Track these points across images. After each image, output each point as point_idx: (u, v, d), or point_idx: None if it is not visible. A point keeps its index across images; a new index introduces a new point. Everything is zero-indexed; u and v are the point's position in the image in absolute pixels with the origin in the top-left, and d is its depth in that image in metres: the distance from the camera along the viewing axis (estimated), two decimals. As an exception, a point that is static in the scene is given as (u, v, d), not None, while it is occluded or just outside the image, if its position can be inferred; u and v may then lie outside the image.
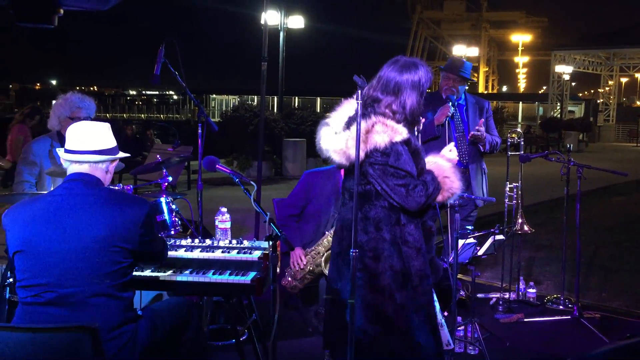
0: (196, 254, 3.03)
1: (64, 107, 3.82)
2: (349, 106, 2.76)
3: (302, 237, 4.12)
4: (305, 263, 3.99)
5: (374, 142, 2.58)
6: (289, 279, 4.07)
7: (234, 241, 3.18)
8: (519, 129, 4.99)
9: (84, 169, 2.45)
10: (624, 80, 47.86)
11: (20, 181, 3.83)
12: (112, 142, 2.54)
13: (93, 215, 2.33)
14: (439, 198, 2.72)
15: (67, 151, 2.47)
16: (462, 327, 3.96)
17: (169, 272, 2.92)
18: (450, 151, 2.96)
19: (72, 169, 2.47)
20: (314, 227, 4.10)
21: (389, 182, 2.61)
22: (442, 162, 2.81)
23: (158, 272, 2.91)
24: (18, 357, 2.08)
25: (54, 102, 3.92)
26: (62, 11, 3.14)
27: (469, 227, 4.01)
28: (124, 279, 2.39)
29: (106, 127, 2.56)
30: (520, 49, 59.55)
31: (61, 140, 3.72)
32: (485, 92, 58.02)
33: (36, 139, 3.94)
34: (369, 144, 2.58)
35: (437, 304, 2.97)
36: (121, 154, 2.60)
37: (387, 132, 2.60)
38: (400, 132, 2.63)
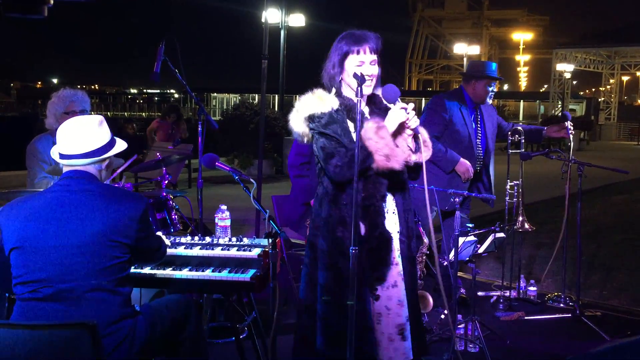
0: (196, 251, 3.03)
1: (58, 104, 3.82)
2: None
3: None
4: None
5: None
6: None
7: (234, 239, 3.17)
8: (519, 127, 4.98)
9: (76, 167, 2.45)
10: (625, 78, 47.77)
11: (43, 177, 3.81)
12: (102, 140, 2.49)
13: (90, 210, 2.33)
14: (376, 164, 2.62)
15: (60, 156, 2.47)
16: (463, 324, 3.95)
17: (169, 270, 2.92)
18: (400, 109, 2.67)
19: (66, 167, 2.47)
20: None
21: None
22: (367, 125, 2.68)
23: (157, 269, 2.91)
24: (17, 354, 2.08)
25: (49, 101, 3.90)
26: (52, 1, 3.11)
27: (470, 225, 4.01)
28: (122, 274, 2.39)
29: (96, 122, 2.50)
30: (521, 47, 59.52)
31: None
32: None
33: (38, 138, 3.92)
34: None
35: None
36: (113, 151, 2.53)
37: None
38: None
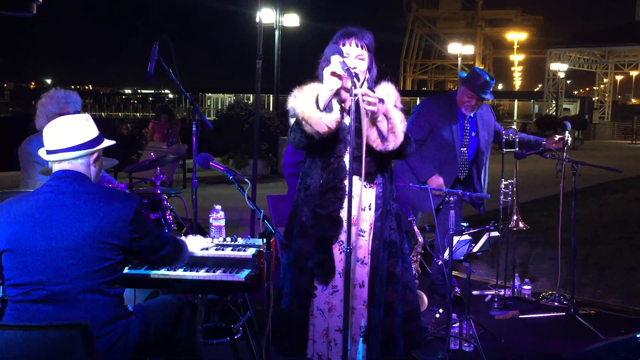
0: (190, 251, 3.01)
1: (51, 105, 3.74)
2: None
3: None
4: None
5: None
6: None
7: (228, 239, 3.16)
8: (514, 127, 5.00)
9: (64, 166, 2.43)
10: (619, 78, 47.96)
11: (38, 181, 3.76)
12: (88, 135, 2.46)
13: (80, 211, 2.31)
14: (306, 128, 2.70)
15: (47, 152, 2.46)
16: (457, 323, 3.96)
17: (163, 270, 2.90)
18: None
19: (55, 167, 2.45)
20: None
21: None
22: None
23: (151, 269, 2.90)
24: (10, 356, 2.07)
25: (38, 101, 3.82)
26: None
27: (464, 224, 4.01)
28: (114, 275, 2.37)
29: (82, 119, 2.48)
30: (515, 47, 59.69)
31: None
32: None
33: (28, 140, 3.85)
34: None
35: None
36: (102, 145, 2.51)
37: None
38: None
